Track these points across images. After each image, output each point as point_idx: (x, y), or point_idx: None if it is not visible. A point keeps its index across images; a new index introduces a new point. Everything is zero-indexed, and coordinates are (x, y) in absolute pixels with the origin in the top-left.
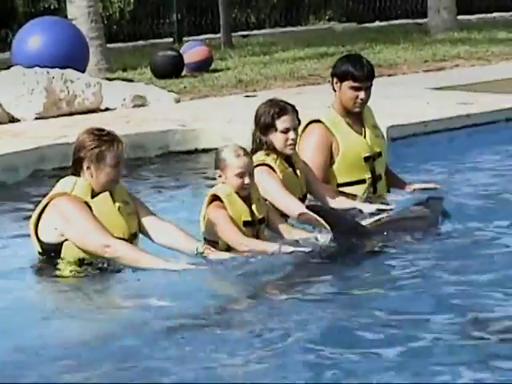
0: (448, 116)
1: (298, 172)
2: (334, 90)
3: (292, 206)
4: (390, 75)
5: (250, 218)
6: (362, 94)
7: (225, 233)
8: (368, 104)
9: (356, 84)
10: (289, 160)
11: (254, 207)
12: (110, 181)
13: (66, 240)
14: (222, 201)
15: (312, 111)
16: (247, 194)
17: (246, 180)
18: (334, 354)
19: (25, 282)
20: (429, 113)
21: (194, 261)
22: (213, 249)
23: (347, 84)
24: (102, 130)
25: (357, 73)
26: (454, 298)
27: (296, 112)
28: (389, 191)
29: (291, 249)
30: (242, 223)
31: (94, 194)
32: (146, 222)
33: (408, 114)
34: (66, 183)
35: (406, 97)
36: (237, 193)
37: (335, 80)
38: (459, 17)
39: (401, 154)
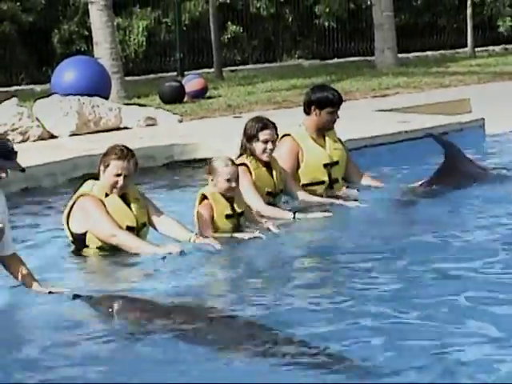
0: (390, 132)
1: (273, 172)
2: (308, 114)
3: (253, 201)
4: (345, 100)
5: (230, 212)
6: (337, 115)
7: (204, 225)
8: None
9: (333, 109)
10: (267, 163)
11: (235, 204)
12: (110, 186)
13: (88, 231)
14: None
15: (285, 127)
16: (231, 195)
17: (233, 184)
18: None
19: (61, 264)
20: (376, 130)
21: (185, 246)
22: (201, 237)
23: (326, 110)
24: (124, 146)
25: (334, 100)
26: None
27: (275, 128)
28: (347, 187)
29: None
30: (224, 216)
31: (107, 194)
32: (153, 215)
33: (360, 130)
34: (87, 185)
35: (358, 117)
36: (222, 194)
37: (313, 107)
38: (399, 55)
39: (356, 161)
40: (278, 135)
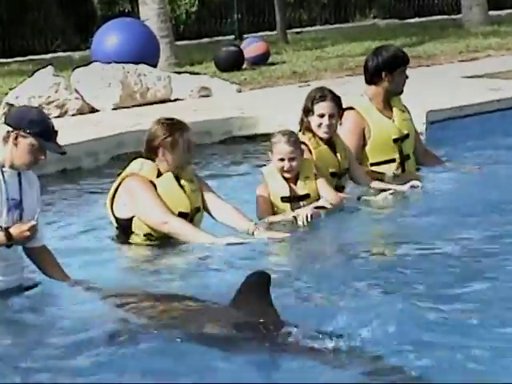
0: (480, 101)
1: (337, 150)
2: (375, 83)
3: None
4: (428, 66)
5: (287, 195)
6: (406, 73)
7: (261, 209)
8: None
9: (405, 67)
10: (330, 140)
11: (296, 185)
12: (185, 163)
13: (135, 216)
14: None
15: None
16: (290, 177)
17: (286, 165)
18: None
19: (103, 253)
20: (463, 99)
21: (242, 238)
22: (262, 228)
23: (399, 71)
24: (171, 119)
25: (405, 56)
26: None
27: (336, 101)
28: (418, 169)
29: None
30: (280, 199)
31: (159, 174)
32: (208, 199)
33: (444, 100)
34: (134, 165)
35: (442, 84)
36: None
37: (384, 73)
38: (490, 12)
39: (438, 136)
40: (341, 108)
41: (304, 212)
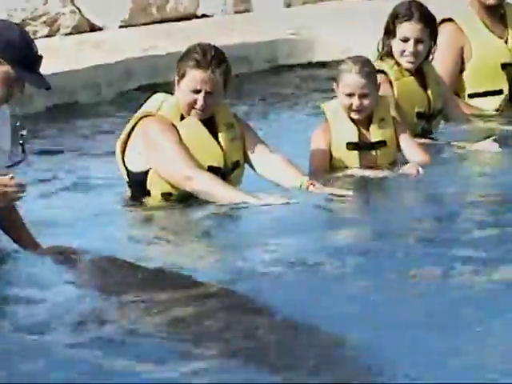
0: None
1: (427, 85)
2: None
3: None
4: None
5: (355, 140)
6: None
7: (315, 158)
8: None
9: None
10: (418, 70)
11: (369, 129)
12: (186, 106)
13: (151, 169)
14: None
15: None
16: (360, 118)
17: (356, 103)
18: None
19: (108, 217)
20: None
21: (291, 198)
22: (318, 184)
23: None
24: (211, 47)
25: None
26: None
27: (426, 21)
28: None
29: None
30: (345, 146)
31: (183, 117)
32: (251, 149)
33: None
34: (152, 102)
35: None
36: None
37: None
38: None
39: None
40: (434, 30)
41: (413, 167)
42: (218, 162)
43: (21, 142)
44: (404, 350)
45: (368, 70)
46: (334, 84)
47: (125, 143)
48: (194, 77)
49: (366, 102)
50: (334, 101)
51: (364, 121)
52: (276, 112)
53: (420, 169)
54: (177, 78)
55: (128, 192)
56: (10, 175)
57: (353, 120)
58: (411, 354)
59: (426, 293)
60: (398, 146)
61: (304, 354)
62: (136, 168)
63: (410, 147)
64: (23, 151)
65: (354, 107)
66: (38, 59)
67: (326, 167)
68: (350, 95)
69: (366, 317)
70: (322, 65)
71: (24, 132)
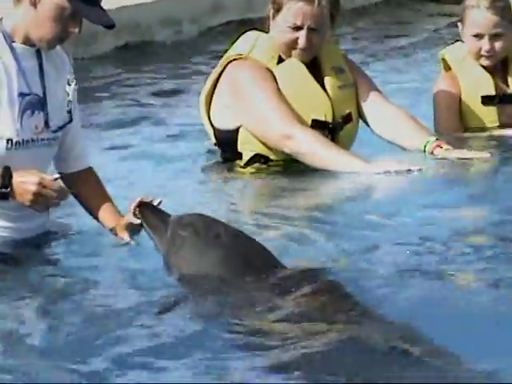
0: None
1: None
2: None
3: None
4: None
5: (492, 92)
6: None
7: (442, 114)
8: None
9: None
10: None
11: (506, 77)
12: (285, 46)
13: (242, 126)
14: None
15: None
16: (491, 64)
17: (485, 46)
18: None
19: (190, 185)
20: None
21: (412, 164)
22: (446, 145)
23: None
24: None
25: None
26: None
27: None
28: None
29: None
30: (480, 99)
31: (281, 59)
32: (366, 100)
33: None
34: (244, 42)
35: None
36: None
37: None
38: None
39: None
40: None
41: None
42: (324, 114)
43: (69, 98)
44: None
45: (501, 5)
46: (459, 24)
47: (210, 94)
48: (295, 10)
49: (498, 44)
50: (458, 45)
51: (499, 68)
52: (388, 53)
53: None
54: (272, 11)
55: (213, 153)
56: (55, 176)
57: (484, 68)
58: None
59: None
60: None
61: None
62: (224, 125)
63: None
64: (69, 112)
65: (483, 51)
66: None
67: (456, 126)
68: (479, 36)
69: None
70: None
71: (69, 88)
